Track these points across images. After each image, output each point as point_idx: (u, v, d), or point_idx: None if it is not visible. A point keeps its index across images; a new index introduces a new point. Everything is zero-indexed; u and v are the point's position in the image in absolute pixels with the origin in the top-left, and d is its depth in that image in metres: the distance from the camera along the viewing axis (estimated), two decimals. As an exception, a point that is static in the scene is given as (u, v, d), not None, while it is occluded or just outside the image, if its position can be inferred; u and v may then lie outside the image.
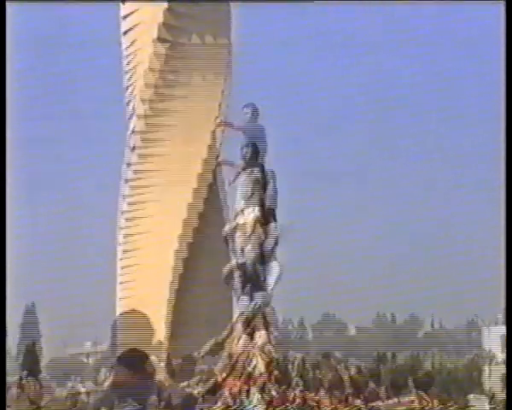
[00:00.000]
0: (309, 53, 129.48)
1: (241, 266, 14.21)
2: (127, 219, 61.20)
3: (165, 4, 60.53)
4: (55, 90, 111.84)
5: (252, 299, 13.97)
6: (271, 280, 14.62)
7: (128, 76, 63.25)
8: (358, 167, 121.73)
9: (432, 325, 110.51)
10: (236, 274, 14.21)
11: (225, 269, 14.60)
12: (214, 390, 10.23)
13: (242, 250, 14.15)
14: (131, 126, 61.94)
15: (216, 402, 9.98)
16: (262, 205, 14.78)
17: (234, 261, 14.53)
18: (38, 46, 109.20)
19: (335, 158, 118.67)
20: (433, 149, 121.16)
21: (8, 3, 12.24)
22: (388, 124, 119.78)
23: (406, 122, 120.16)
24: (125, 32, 62.74)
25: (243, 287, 14.06)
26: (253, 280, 14.04)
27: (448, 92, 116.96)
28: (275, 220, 14.79)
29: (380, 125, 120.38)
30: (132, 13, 62.00)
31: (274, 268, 14.67)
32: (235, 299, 18.36)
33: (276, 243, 14.73)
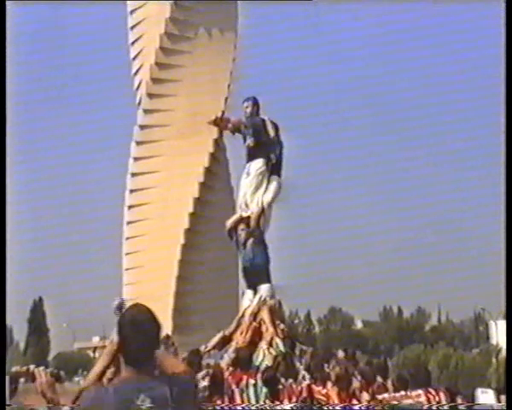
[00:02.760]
0: (315, 48, 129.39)
1: (246, 219, 14.13)
2: (130, 222, 61.32)
3: (172, -1, 60.63)
4: (57, 86, 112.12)
5: (256, 292, 13.91)
6: (269, 196, 14.49)
7: (134, 70, 63.32)
8: (363, 162, 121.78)
9: (439, 319, 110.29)
10: (240, 227, 14.12)
11: (229, 222, 14.51)
12: (221, 384, 10.19)
13: (245, 243, 14.08)
14: (138, 121, 62.05)
15: (222, 395, 9.96)
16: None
17: (238, 214, 14.43)
18: (40, 43, 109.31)
19: (341, 153, 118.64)
20: (438, 145, 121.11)
21: (8, 2, 12.10)
22: (391, 119, 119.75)
23: (411, 116, 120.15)
24: (133, 27, 62.80)
25: (246, 241, 13.97)
26: (256, 236, 13.95)
27: (448, 90, 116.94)
28: (279, 175, 14.64)
29: (382, 121, 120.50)
30: (139, 8, 62.02)
31: (272, 184, 14.50)
32: (240, 291, 18.30)
33: (274, 197, 14.58)
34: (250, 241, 13.86)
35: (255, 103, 14.72)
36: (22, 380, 11.88)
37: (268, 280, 14.10)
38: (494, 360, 60.76)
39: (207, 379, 10.39)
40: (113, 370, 4.24)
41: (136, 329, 3.71)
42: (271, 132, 14.35)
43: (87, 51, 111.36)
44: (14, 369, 15.05)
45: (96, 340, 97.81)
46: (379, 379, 11.81)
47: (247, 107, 14.68)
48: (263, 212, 14.07)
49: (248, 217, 14.06)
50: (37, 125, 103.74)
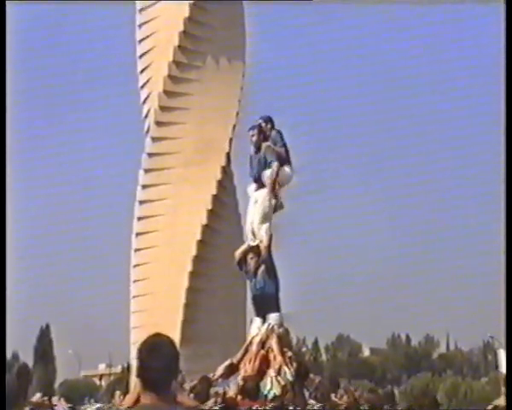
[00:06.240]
0: (323, 62, 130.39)
1: (255, 248, 14.18)
2: (138, 250, 61.26)
3: (181, 27, 61.15)
4: (58, 85, 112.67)
5: (265, 320, 13.94)
6: (284, 178, 14.64)
7: (143, 98, 63.76)
8: (368, 183, 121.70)
9: (447, 347, 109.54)
10: (249, 256, 14.17)
11: (238, 253, 14.55)
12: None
13: (255, 272, 14.12)
14: (146, 149, 62.35)
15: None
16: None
17: (246, 244, 14.49)
18: (39, 44, 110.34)
19: (341, 172, 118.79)
20: (439, 154, 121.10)
21: (8, 2, 12.29)
22: (392, 126, 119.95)
23: (409, 123, 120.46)
24: (141, 56, 63.34)
25: (256, 270, 14.01)
26: (267, 265, 14.00)
27: (448, 91, 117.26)
28: (289, 163, 14.81)
29: (384, 129, 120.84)
30: (148, 36, 62.60)
31: (286, 170, 14.61)
32: (248, 320, 18.32)
33: (287, 181, 14.71)
34: (261, 269, 13.91)
35: (260, 131, 14.85)
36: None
37: (277, 309, 14.13)
38: (503, 388, 60.24)
39: (217, 408, 10.40)
40: (133, 396, 4.31)
41: (155, 354, 3.77)
42: (272, 150, 14.46)
43: (80, 51, 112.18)
44: (34, 399, 15.08)
45: (101, 367, 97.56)
46: (387, 408, 11.80)
47: (252, 135, 14.82)
48: (271, 241, 14.14)
49: (257, 245, 14.12)
50: (30, 124, 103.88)
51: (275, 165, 14.30)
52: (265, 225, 14.06)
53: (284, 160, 14.55)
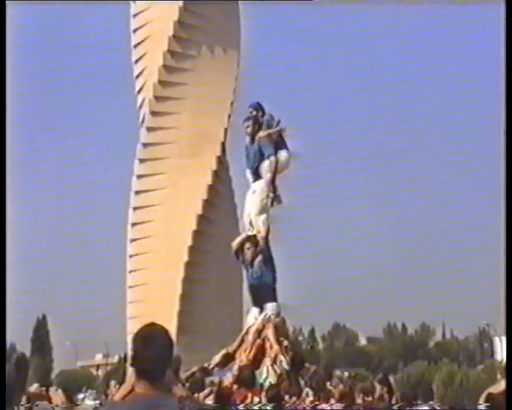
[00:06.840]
0: (319, 58, 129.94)
1: (252, 238, 14.20)
2: (134, 240, 61.22)
3: (176, 17, 60.93)
4: (55, 89, 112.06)
5: (262, 310, 13.97)
6: (282, 162, 14.61)
7: (138, 88, 63.56)
8: (365, 177, 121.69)
9: (443, 335, 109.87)
10: (246, 246, 14.18)
11: (235, 243, 14.57)
12: (226, 402, 10.24)
13: (252, 262, 14.14)
14: (141, 139, 62.19)
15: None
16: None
17: (244, 234, 14.51)
18: (40, 46, 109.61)
19: (340, 171, 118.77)
20: (439, 158, 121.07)
21: (8, 3, 12.22)
22: (391, 121, 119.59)
23: (408, 127, 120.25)
24: (136, 45, 63.09)
25: (253, 260, 14.02)
26: (264, 255, 14.01)
27: (448, 94, 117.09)
28: (287, 149, 14.76)
29: (383, 123, 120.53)
30: (143, 26, 62.33)
31: (283, 156, 14.58)
32: (244, 309, 18.33)
33: (285, 166, 14.65)
34: (258, 259, 13.92)
35: (255, 122, 14.81)
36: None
37: (274, 299, 14.16)
38: (499, 376, 60.47)
39: (212, 397, 10.43)
40: (127, 386, 4.29)
41: (150, 343, 3.78)
42: (268, 138, 14.42)
43: (80, 54, 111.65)
44: (31, 389, 15.02)
45: (98, 358, 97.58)
46: (384, 396, 11.83)
47: (247, 126, 14.80)
48: (269, 231, 14.15)
49: (254, 235, 14.14)
50: (31, 125, 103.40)
51: (272, 158, 14.27)
52: (263, 216, 14.07)
53: (280, 145, 14.52)
